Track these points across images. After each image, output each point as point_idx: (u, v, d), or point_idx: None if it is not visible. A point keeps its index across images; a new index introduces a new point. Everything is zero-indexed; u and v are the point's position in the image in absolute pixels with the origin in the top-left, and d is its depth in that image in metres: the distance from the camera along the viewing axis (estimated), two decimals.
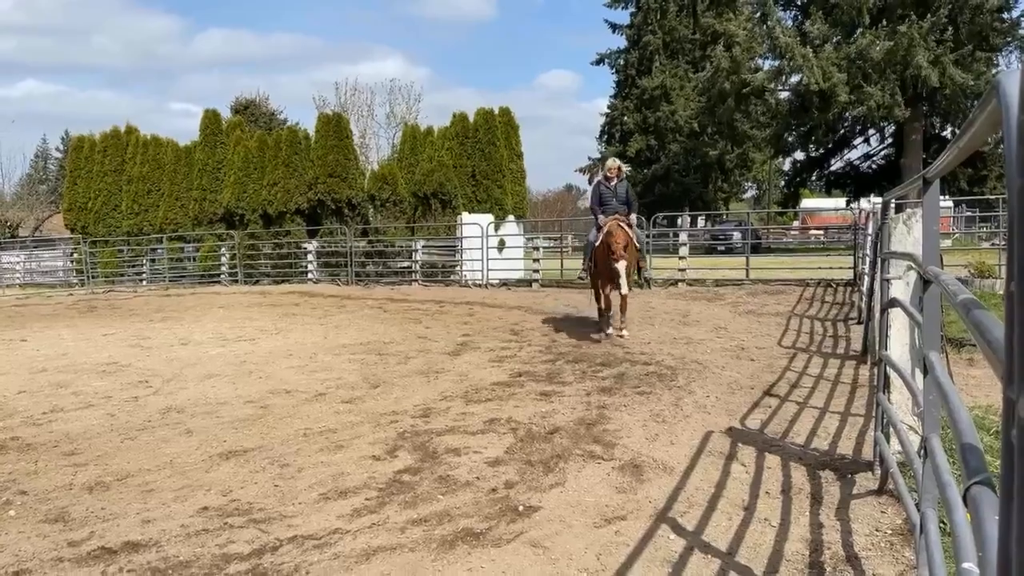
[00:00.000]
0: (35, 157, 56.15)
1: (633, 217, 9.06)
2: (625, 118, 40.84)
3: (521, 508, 3.87)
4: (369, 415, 5.97)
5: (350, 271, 19.06)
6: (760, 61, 29.22)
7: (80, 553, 3.55)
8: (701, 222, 31.85)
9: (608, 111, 43.02)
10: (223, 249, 21.68)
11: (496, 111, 22.16)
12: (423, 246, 19.34)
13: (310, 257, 20.28)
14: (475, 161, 21.54)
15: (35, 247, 28.98)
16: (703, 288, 14.24)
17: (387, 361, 8.41)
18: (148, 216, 23.46)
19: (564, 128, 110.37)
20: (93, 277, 22.15)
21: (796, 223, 36.29)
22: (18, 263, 25.59)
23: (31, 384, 7.71)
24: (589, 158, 43.36)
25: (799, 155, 33.47)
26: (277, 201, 21.67)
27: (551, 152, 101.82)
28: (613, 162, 9.40)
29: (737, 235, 24.62)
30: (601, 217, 8.94)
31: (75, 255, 23.79)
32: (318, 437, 5.39)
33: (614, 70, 42.63)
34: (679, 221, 22.38)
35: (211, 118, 23.26)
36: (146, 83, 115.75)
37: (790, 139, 31.30)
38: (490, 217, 18.93)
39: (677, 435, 5.08)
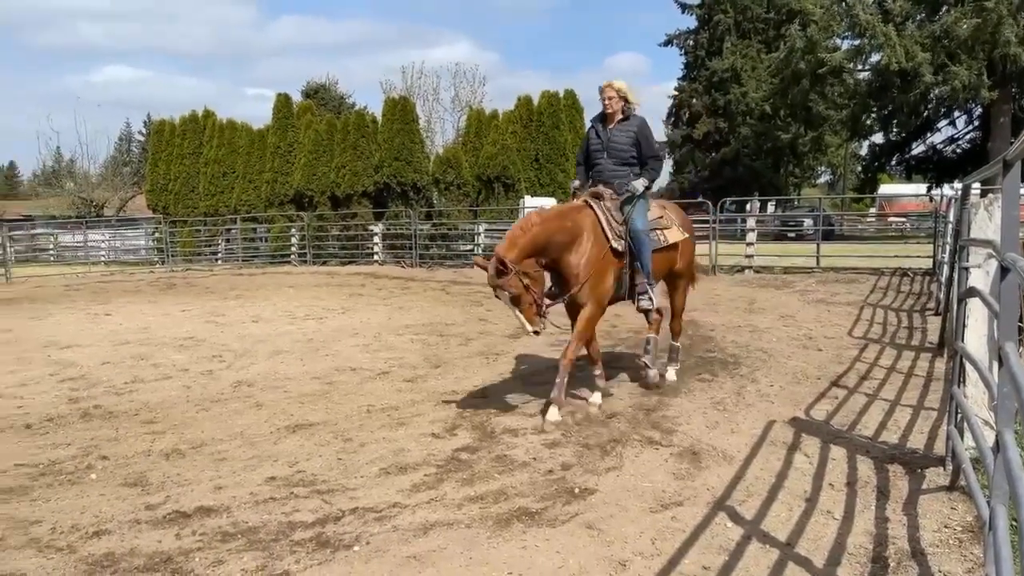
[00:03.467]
0: (119, 140, 58.84)
1: (639, 183, 5.40)
2: (693, 100, 39.91)
3: (577, 490, 3.88)
4: (430, 394, 6.08)
5: (414, 253, 19.35)
6: (838, 40, 28.04)
7: (156, 516, 3.75)
8: (771, 208, 30.94)
9: (676, 93, 42.13)
10: (293, 230, 22.30)
11: (561, 94, 22.02)
12: (485, 229, 19.44)
13: (376, 239, 20.67)
14: (539, 144, 21.49)
15: (119, 226, 30.43)
16: (770, 275, 13.88)
17: (448, 342, 8.53)
18: (223, 197, 24.31)
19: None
20: (172, 256, 23.14)
21: (873, 210, 34.87)
22: (103, 241, 26.95)
23: (114, 356, 8.14)
24: (656, 141, 42.65)
25: (878, 138, 32.05)
26: (345, 183, 22.13)
27: None
28: (610, 86, 5.50)
29: (809, 221, 23.84)
30: (575, 183, 5.81)
31: (156, 234, 24.89)
32: (380, 414, 5.52)
33: (683, 51, 41.63)
34: (747, 206, 21.78)
35: (283, 102, 23.87)
36: (224, 69, 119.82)
37: (868, 121, 29.97)
38: (553, 200, 18.87)
39: (738, 423, 4.99)
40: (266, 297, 13.82)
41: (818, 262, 14.23)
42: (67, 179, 40.16)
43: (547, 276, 5.33)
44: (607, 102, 5.51)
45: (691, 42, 40.74)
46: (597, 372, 5.64)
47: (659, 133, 44.34)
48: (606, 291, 5.37)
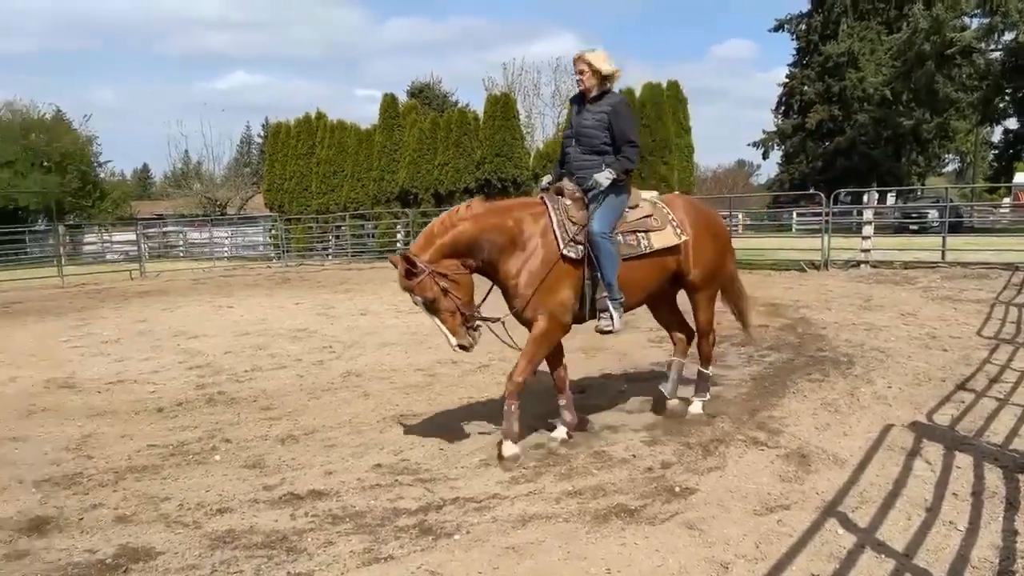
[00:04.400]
0: (240, 142, 62.33)
1: (603, 175, 4.42)
2: (805, 87, 38.09)
3: (677, 489, 3.82)
4: (531, 387, 6.12)
5: None
6: (966, 19, 26.04)
7: (273, 496, 3.97)
8: (891, 199, 29.11)
9: (786, 80, 40.34)
10: (398, 226, 22.98)
11: (664, 85, 21.58)
12: None
13: None
14: (641, 137, 21.16)
15: (240, 224, 32.32)
16: (889, 271, 13.09)
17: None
18: (334, 195, 25.35)
19: (738, 100, 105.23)
20: (287, 251, 24.37)
21: (1007, 200, 32.18)
22: (226, 238, 28.74)
23: (235, 345, 8.67)
24: (764, 131, 40.96)
25: (1012, 123, 29.54)
26: (447, 180, 22.59)
27: (723, 126, 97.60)
28: (580, 58, 4.54)
29: (934, 213, 22.26)
30: (544, 180, 4.82)
31: (272, 231, 26.28)
32: (481, 406, 5.62)
33: (794, 36, 39.79)
34: (865, 198, 20.55)
35: (389, 102, 24.60)
36: (335, 72, 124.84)
37: (1001, 105, 27.70)
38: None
39: (851, 426, 4.75)
40: (373, 291, 14.32)
41: (944, 256, 13.28)
42: (194, 180, 43.04)
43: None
44: (579, 77, 4.56)
45: (803, 26, 38.87)
46: (562, 403, 4.75)
47: (768, 123, 42.60)
48: (561, 305, 4.41)
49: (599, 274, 4.42)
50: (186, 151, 46.61)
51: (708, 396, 5.20)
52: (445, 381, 6.53)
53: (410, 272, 4.16)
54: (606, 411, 5.31)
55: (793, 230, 25.38)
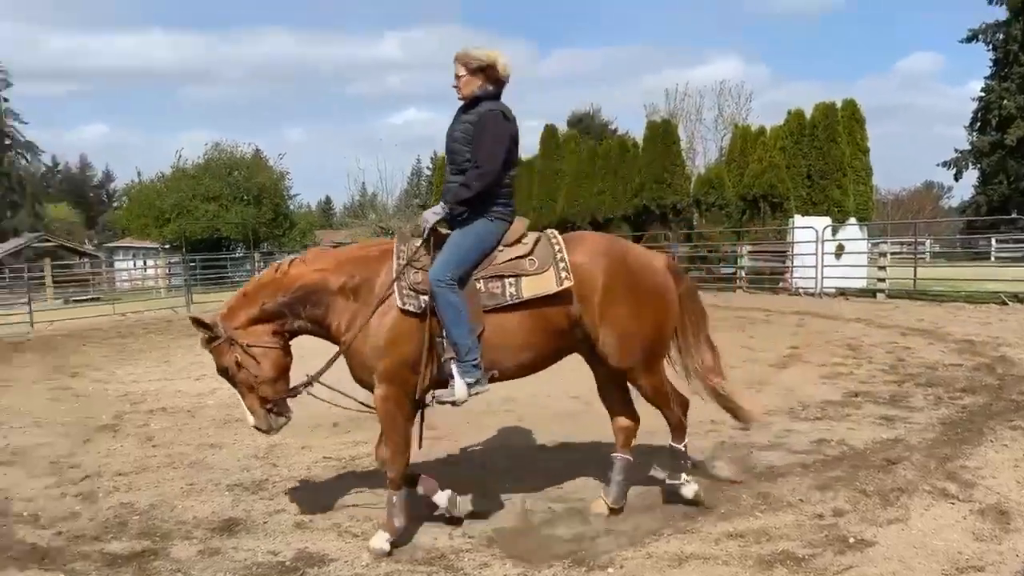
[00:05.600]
0: (411, 175, 66.19)
1: (430, 212, 3.75)
2: (1004, 101, 34.38)
3: (852, 540, 3.53)
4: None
5: None
6: None
7: (433, 515, 4.13)
8: None
9: (982, 94, 36.62)
10: None
11: (838, 104, 20.38)
12: (749, 251, 18.56)
13: None
14: (811, 160, 20.07)
15: None
16: None
17: None
18: None
19: (925, 117, 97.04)
20: None
21: None
22: None
23: None
24: (956, 150, 37.34)
25: None
26: (605, 208, 22.65)
27: (908, 145, 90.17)
28: (456, 59, 3.76)
29: None
30: (429, 215, 3.77)
31: None
32: (637, 438, 5.52)
33: (990, 47, 36.16)
34: None
35: (549, 133, 25.19)
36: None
37: None
38: (827, 220, 17.44)
39: None
40: None
41: None
42: (370, 210, 46.22)
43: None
44: (455, 82, 3.79)
45: (1001, 35, 35.25)
46: (422, 491, 3.93)
47: (961, 141, 38.75)
48: (400, 368, 3.62)
49: (445, 331, 3.58)
50: (363, 183, 50.11)
51: (688, 476, 4.09)
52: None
53: (209, 337, 3.66)
54: (769, 451, 5.03)
55: (991, 258, 22.84)
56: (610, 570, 3.34)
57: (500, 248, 3.75)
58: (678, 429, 4.12)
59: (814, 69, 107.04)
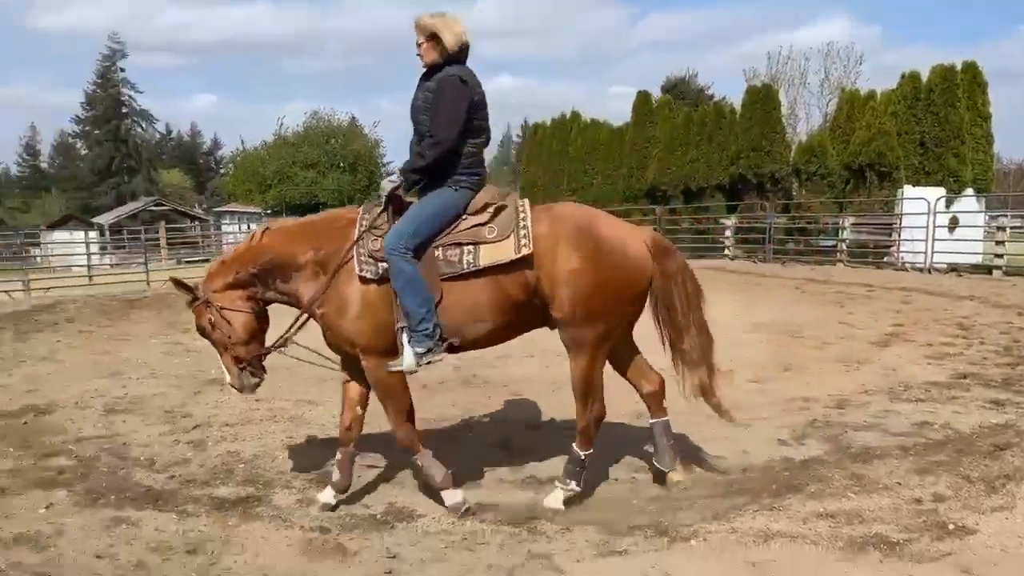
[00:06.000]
0: (500, 143, 66.30)
1: (387, 182, 3.76)
2: None
3: (951, 527, 3.37)
4: (777, 397, 5.79)
5: (768, 248, 18.45)
6: None
7: (517, 478, 4.23)
8: None
9: None
10: (646, 224, 22.93)
11: (958, 67, 18.92)
12: (852, 223, 17.67)
13: (727, 233, 20.18)
14: (925, 126, 18.78)
15: None
16: None
17: (801, 344, 7.99)
18: (583, 193, 25.97)
19: None
20: None
21: None
22: None
23: None
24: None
25: None
26: (699, 176, 22.03)
27: None
28: (415, 25, 3.70)
29: None
30: (386, 184, 3.78)
31: None
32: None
33: None
34: None
35: (642, 99, 24.60)
36: (592, 71, 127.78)
37: None
38: (941, 191, 16.34)
39: None
40: None
41: None
42: None
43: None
44: (416, 50, 3.72)
45: None
46: (338, 458, 3.92)
47: None
48: (375, 336, 3.65)
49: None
50: None
51: (576, 487, 3.84)
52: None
53: (191, 300, 3.87)
54: (866, 431, 4.84)
55: None
56: (692, 542, 3.32)
57: (464, 217, 3.69)
58: (583, 434, 3.85)
59: (930, 31, 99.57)
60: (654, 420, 4.01)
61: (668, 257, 3.83)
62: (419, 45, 3.69)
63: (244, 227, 37.48)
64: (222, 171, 57.02)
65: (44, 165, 66.72)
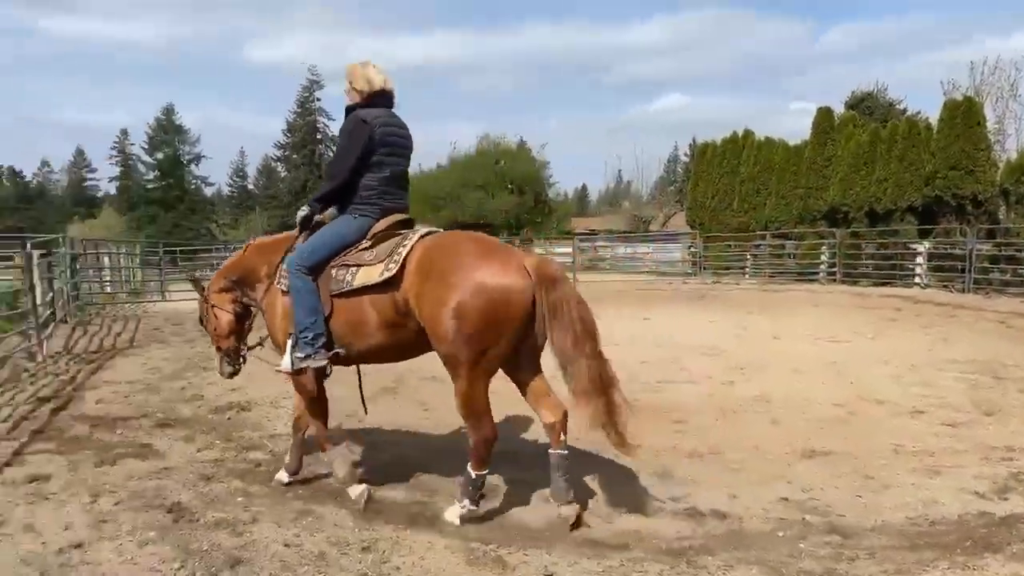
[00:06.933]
0: (667, 162, 65.27)
1: (299, 213, 4.24)
2: None
3: None
4: (976, 444, 5.21)
5: (968, 277, 16.64)
6: None
7: (677, 508, 4.13)
8: None
9: None
10: (823, 247, 21.53)
11: None
12: None
13: (919, 259, 18.46)
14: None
15: (661, 240, 33.88)
16: None
17: (1005, 386, 7.14)
18: (755, 214, 24.92)
19: None
20: (704, 269, 24.73)
21: None
22: (647, 253, 30.41)
23: (650, 356, 9.14)
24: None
25: None
26: (886, 198, 20.38)
27: None
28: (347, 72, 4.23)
29: None
30: (300, 211, 4.33)
31: (691, 248, 26.96)
32: (910, 456, 4.98)
33: None
34: None
35: (823, 115, 23.23)
36: (766, 86, 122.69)
37: None
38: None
39: None
40: (790, 314, 13.68)
41: None
42: (625, 198, 46.54)
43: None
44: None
45: None
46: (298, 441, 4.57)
47: None
48: (278, 334, 4.24)
49: None
50: (619, 172, 50.53)
51: (471, 506, 3.87)
52: (866, 421, 5.94)
53: (200, 293, 4.75)
54: None
55: None
56: None
57: (363, 241, 4.06)
58: (474, 454, 3.84)
59: None
60: (551, 451, 3.87)
61: (553, 285, 3.73)
62: (345, 91, 4.23)
63: None
64: None
65: (251, 186, 74.79)
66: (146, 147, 66.51)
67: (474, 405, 3.77)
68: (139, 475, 4.57)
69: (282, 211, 62.84)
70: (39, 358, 8.63)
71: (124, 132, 72.27)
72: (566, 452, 3.87)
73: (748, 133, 25.91)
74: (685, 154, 62.65)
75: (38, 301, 9.53)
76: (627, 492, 4.35)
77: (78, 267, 14.54)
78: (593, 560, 3.47)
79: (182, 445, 5.27)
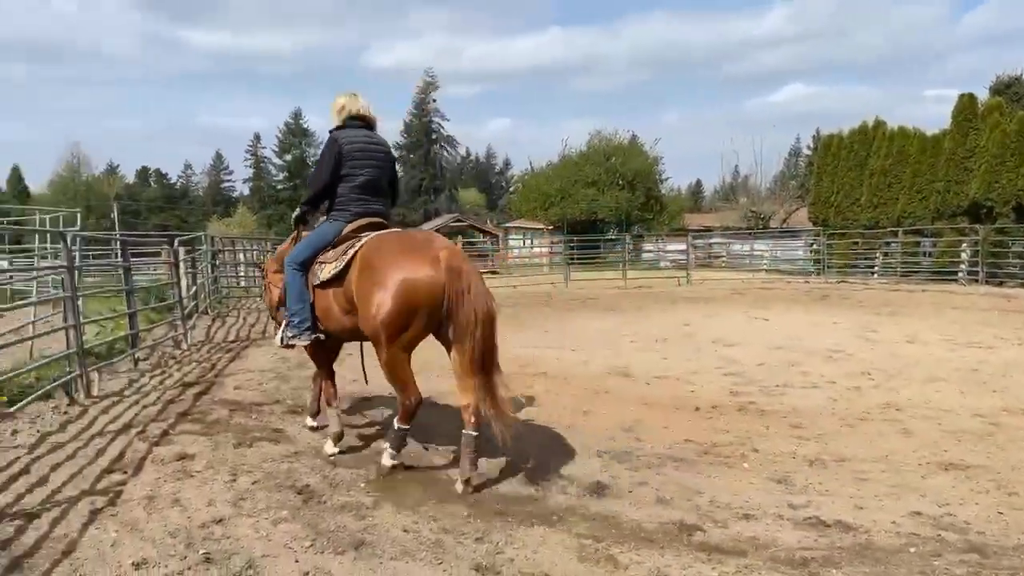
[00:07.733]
0: (788, 155, 62.52)
1: (294, 217, 5.36)
2: None
3: None
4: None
5: None
6: None
7: (797, 516, 3.97)
8: None
9: None
10: (964, 245, 19.95)
11: None
12: None
13: None
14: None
15: (781, 237, 32.48)
16: None
17: None
18: (886, 209, 23.44)
19: None
20: (828, 267, 23.51)
21: None
22: (767, 251, 29.23)
23: (768, 358, 8.82)
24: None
25: None
26: None
27: None
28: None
29: None
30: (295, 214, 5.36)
31: (814, 246, 25.69)
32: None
33: None
34: None
35: (965, 103, 21.55)
36: (899, 74, 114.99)
37: None
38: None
39: None
40: (924, 317, 12.80)
41: None
42: (741, 194, 44.93)
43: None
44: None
45: None
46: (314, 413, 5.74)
47: None
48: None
49: None
50: (736, 166, 48.84)
51: (396, 453, 4.61)
52: (1013, 433, 5.49)
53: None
54: None
55: None
56: None
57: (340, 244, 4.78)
58: (400, 412, 4.52)
59: None
60: (463, 431, 4.33)
61: (458, 276, 4.20)
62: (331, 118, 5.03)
63: (529, 242, 40.05)
64: (511, 190, 61.52)
65: None
66: (276, 150, 70.76)
67: (397, 374, 4.41)
68: (273, 457, 4.89)
69: (402, 208, 65.20)
70: (184, 346, 9.39)
71: (257, 136, 77.44)
72: (476, 433, 4.30)
73: (879, 123, 24.42)
74: (808, 147, 59.81)
75: (183, 294, 10.37)
76: (743, 497, 4.24)
77: (217, 263, 15.68)
78: (707, 564, 3.41)
79: (309, 432, 5.58)
